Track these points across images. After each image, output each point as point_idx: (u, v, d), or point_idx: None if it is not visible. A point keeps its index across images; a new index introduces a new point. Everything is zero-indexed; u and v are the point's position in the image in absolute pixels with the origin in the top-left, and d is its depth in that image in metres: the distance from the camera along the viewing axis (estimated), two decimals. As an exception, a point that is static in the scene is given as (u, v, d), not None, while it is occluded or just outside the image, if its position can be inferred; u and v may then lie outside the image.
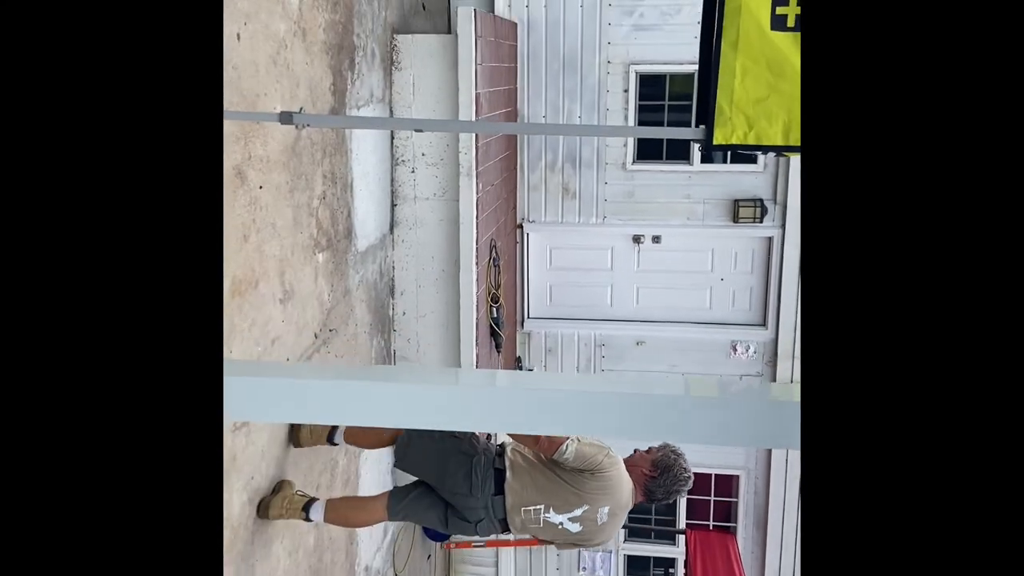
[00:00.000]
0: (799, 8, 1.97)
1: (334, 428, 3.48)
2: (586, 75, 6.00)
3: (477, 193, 4.77)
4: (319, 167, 3.71)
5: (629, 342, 6.37)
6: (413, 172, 4.81)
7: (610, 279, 6.38)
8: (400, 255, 4.95)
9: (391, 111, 4.73)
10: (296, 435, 3.45)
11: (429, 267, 4.96)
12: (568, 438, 2.94)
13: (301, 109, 3.48)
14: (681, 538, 5.53)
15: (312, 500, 3.25)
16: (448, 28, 5.99)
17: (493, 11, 5.86)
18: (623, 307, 6.41)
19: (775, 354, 6.18)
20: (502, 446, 3.26)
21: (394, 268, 4.96)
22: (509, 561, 6.78)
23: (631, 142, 6.10)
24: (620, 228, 6.22)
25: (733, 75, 2.06)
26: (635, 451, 3.25)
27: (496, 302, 5.32)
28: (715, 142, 2.10)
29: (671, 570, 6.79)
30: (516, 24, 5.91)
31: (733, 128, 2.07)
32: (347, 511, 3.38)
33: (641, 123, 6.09)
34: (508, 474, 3.08)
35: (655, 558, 6.77)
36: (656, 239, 6.22)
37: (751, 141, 2.05)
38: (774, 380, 6.16)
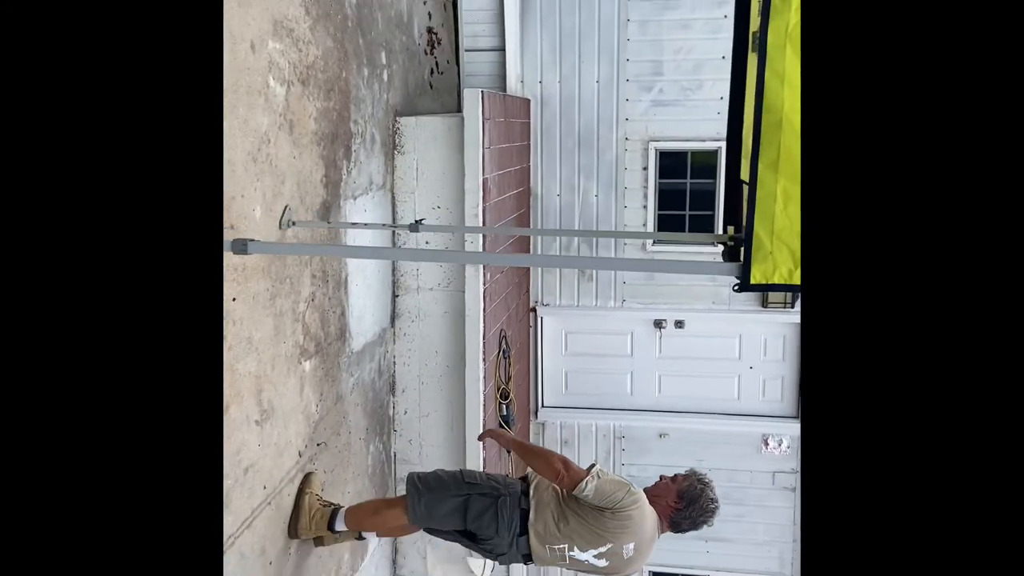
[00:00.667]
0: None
1: (335, 513, 3.30)
2: (603, 152, 5.70)
3: (485, 284, 4.43)
4: (307, 267, 3.38)
5: (651, 434, 5.91)
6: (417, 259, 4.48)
7: (630, 366, 5.97)
8: (401, 350, 4.59)
9: (393, 197, 4.42)
10: (295, 526, 3.25)
11: (433, 362, 4.58)
12: (589, 473, 2.86)
13: (287, 208, 3.16)
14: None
15: (336, 510, 3.28)
16: (457, 106, 5.74)
17: (505, 88, 5.61)
18: (644, 396, 5.97)
19: (810, 449, 5.69)
20: (526, 479, 3.13)
21: (395, 364, 4.59)
22: None
23: (651, 220, 5.75)
24: (640, 312, 5.83)
25: (774, 201, 1.69)
26: (660, 478, 3.07)
27: (506, 398, 4.92)
28: (753, 281, 1.73)
29: None
30: (529, 101, 5.64)
31: (775, 265, 1.70)
32: (364, 519, 3.30)
33: (662, 202, 5.75)
34: (531, 515, 3.00)
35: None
36: (679, 324, 5.82)
37: (796, 281, 1.68)
38: (810, 477, 5.66)
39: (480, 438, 3.46)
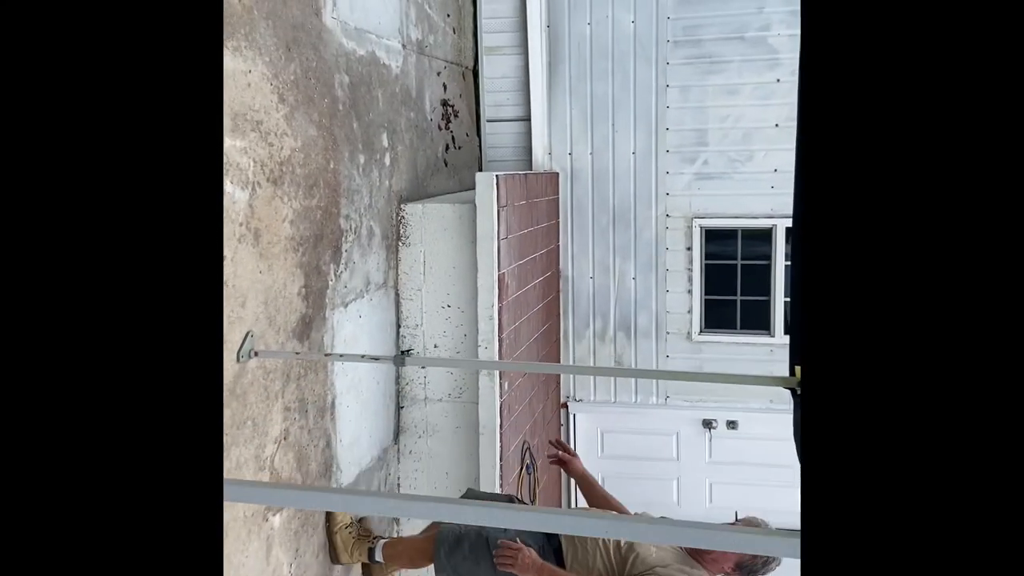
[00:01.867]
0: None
1: (374, 543, 3.33)
2: (641, 230, 5.08)
3: (502, 396, 3.81)
4: (277, 400, 2.81)
5: (701, 550, 5.14)
6: (424, 368, 3.89)
7: (676, 471, 5.24)
8: (407, 469, 3.98)
9: (396, 296, 3.87)
10: (335, 552, 3.26)
11: (442, 484, 3.96)
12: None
13: (248, 335, 2.61)
14: None
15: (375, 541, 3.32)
16: (480, 180, 5.22)
17: (531, 161, 5.06)
18: (693, 505, 5.22)
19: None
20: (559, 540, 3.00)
21: (399, 486, 3.98)
22: None
23: (696, 307, 5.09)
24: (687, 411, 5.14)
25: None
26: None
27: (529, 522, 4.24)
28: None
29: None
30: (557, 174, 5.08)
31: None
32: (398, 554, 3.34)
33: (708, 286, 5.09)
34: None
35: None
36: (731, 424, 5.10)
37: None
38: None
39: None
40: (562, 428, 5.27)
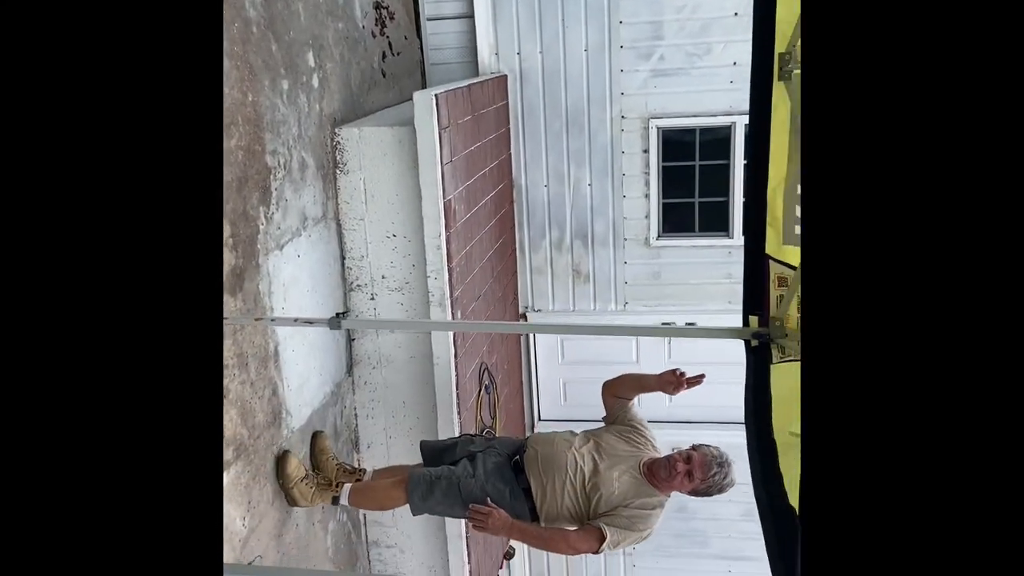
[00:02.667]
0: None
1: (338, 492, 3.29)
2: (595, 134, 4.86)
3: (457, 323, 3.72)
4: (213, 361, 2.68)
5: (663, 449, 5.27)
6: (373, 299, 3.77)
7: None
8: (363, 400, 3.93)
9: (339, 228, 3.67)
10: (292, 501, 3.19)
11: (400, 414, 3.93)
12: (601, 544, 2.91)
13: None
14: None
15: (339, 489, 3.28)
16: (423, 84, 4.90)
17: (476, 62, 4.74)
18: (653, 407, 5.27)
19: (842, 460, 5.04)
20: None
21: (357, 417, 3.94)
22: None
23: (654, 211, 4.96)
24: (647, 316, 5.11)
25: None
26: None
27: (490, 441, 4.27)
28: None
29: None
30: (506, 77, 4.78)
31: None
32: (366, 500, 3.34)
33: (667, 189, 4.94)
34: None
35: None
36: (690, 327, 5.09)
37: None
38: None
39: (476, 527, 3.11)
40: (522, 338, 5.24)
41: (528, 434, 5.37)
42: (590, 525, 2.95)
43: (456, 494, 3.03)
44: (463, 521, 3.69)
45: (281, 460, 3.15)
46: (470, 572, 4.00)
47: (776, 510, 1.82)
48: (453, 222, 3.66)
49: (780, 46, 1.94)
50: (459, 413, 3.81)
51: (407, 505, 3.11)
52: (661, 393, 5.01)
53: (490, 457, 3.14)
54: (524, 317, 5.24)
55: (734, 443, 5.21)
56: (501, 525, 2.91)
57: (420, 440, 3.43)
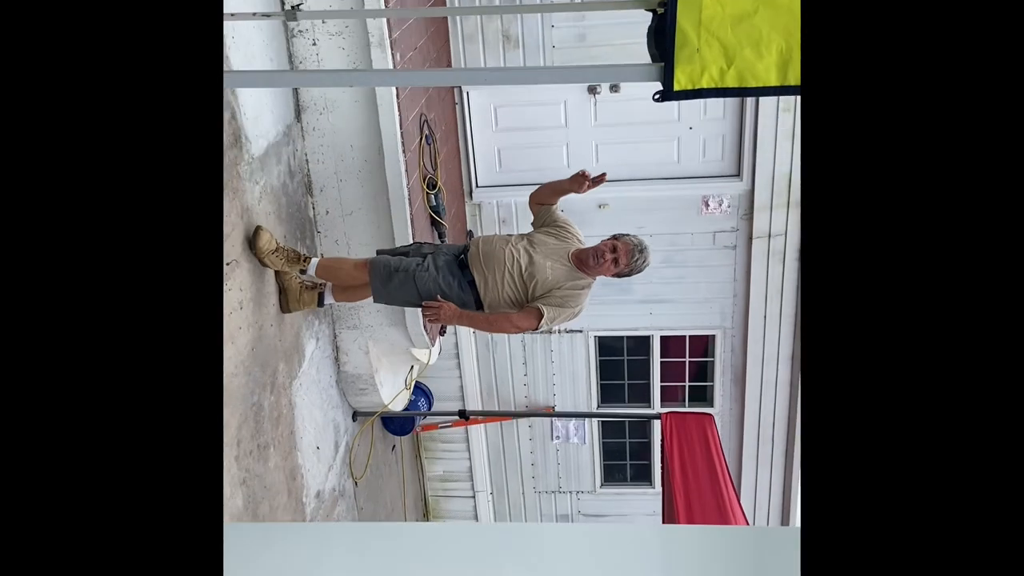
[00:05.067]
0: None
1: (305, 264, 3.69)
2: None
3: (395, 67, 3.95)
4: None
5: (590, 206, 5.75)
6: (315, 44, 3.94)
7: (565, 137, 5.65)
8: (313, 145, 4.20)
9: (274, -31, 3.77)
10: (286, 301, 3.78)
11: (349, 157, 4.23)
12: (540, 320, 3.40)
13: None
14: (656, 424, 5.28)
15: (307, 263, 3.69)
16: None
17: None
18: (582, 167, 5.71)
19: (751, 206, 5.62)
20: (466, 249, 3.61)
21: (308, 162, 4.23)
22: (480, 436, 6.60)
23: (580, -28, 5.12)
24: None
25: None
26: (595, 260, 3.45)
27: (433, 188, 4.64)
28: (677, 87, 1.42)
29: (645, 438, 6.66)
30: None
31: (703, 65, 1.39)
32: (332, 273, 3.77)
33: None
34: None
35: (630, 422, 6.62)
36: (614, 88, 5.44)
37: (731, 83, 1.38)
38: (751, 234, 5.66)
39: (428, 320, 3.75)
40: (457, 107, 5.50)
41: (468, 200, 5.79)
42: (529, 306, 3.44)
43: (412, 284, 3.51)
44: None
45: (255, 234, 3.49)
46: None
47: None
48: (387, -39, 3.80)
49: None
50: (404, 154, 4.13)
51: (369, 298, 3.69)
52: (588, 157, 5.50)
53: (440, 256, 3.58)
54: (459, 87, 5.46)
55: (653, 196, 5.74)
56: (452, 314, 3.46)
57: (376, 249, 3.87)
